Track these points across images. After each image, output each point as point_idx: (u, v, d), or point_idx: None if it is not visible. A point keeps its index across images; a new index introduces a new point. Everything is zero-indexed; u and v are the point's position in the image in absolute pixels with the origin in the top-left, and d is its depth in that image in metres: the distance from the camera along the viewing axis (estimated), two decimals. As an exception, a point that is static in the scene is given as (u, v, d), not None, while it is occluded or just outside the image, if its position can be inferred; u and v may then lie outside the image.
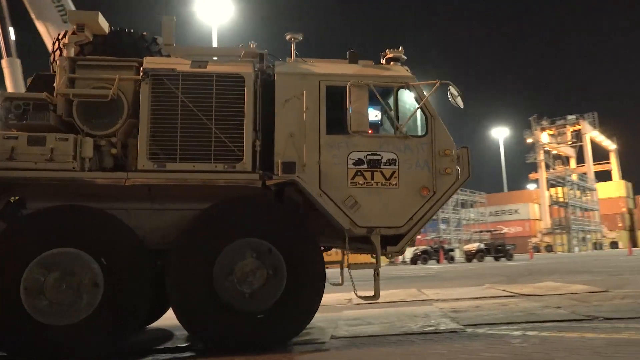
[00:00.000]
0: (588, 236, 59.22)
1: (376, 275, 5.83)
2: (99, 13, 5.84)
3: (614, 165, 73.36)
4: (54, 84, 5.61)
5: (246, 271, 5.18)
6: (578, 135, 67.37)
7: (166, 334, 6.83)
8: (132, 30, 6.34)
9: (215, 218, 5.39)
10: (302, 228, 5.54)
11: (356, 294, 6.02)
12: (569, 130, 67.37)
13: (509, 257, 36.18)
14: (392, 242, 5.74)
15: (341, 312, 8.00)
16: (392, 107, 5.88)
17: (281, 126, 5.60)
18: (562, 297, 8.61)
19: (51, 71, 6.27)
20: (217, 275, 5.15)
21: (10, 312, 4.91)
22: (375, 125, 6.03)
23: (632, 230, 67.37)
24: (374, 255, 5.77)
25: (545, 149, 67.31)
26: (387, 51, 6.21)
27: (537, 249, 54.74)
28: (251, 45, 5.97)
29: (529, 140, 67.78)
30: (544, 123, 67.61)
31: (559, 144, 68.05)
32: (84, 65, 5.64)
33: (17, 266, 4.96)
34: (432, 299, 9.27)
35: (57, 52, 6.28)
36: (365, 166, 5.66)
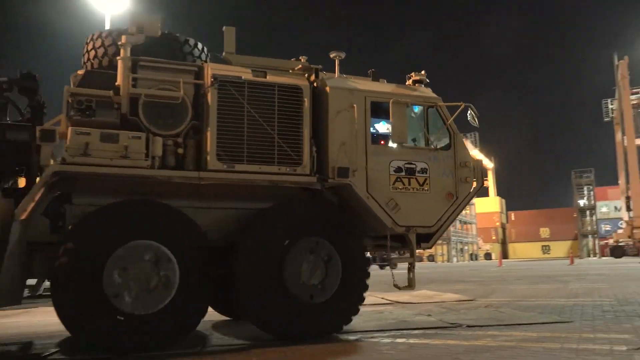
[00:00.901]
0: (466, 247, 63.38)
1: (411, 268, 6.66)
2: (160, 17, 6.03)
3: (491, 182, 79.15)
4: (110, 82, 5.71)
5: (311, 266, 5.79)
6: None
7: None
8: (177, 35, 6.50)
9: (282, 218, 5.90)
10: (352, 229, 6.26)
11: (395, 285, 6.69)
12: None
13: (393, 266, 37.67)
14: (422, 239, 6.66)
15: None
16: (424, 124, 6.76)
17: (334, 135, 6.20)
18: (434, 305, 9.07)
19: (85, 69, 6.31)
20: (286, 269, 5.68)
21: (94, 301, 4.97)
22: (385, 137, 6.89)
23: (503, 243, 73.06)
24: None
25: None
26: (412, 74, 7.11)
27: (420, 259, 57.62)
28: (302, 60, 6.54)
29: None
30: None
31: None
32: (144, 66, 5.80)
33: (100, 257, 5.04)
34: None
35: (92, 52, 6.39)
36: (403, 173, 6.49)
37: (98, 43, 6.38)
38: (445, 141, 6.80)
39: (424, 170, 6.57)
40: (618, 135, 53.37)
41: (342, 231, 6.10)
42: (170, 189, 5.72)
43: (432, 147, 6.68)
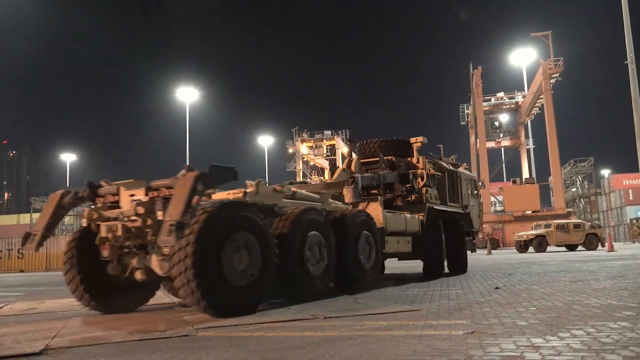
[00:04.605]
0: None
1: (474, 246, 17.65)
2: (426, 138, 13.28)
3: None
4: (407, 166, 13.01)
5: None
6: (332, 149, 74.21)
7: None
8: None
9: (465, 225, 15.46)
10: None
11: (473, 251, 17.91)
12: (325, 144, 73.82)
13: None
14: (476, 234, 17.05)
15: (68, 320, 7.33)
16: (475, 186, 16.58)
17: (463, 191, 15.12)
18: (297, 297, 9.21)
19: (352, 155, 13.87)
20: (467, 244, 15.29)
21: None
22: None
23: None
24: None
25: (304, 159, 72.59)
26: (464, 164, 16.14)
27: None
28: (453, 159, 15.23)
29: (290, 151, 72.34)
30: (304, 135, 72.87)
31: (315, 155, 74.01)
32: (427, 160, 13.41)
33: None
34: (175, 302, 9.13)
35: (359, 152, 13.63)
36: (474, 206, 15.93)
37: (370, 146, 13.44)
38: (475, 192, 16.26)
39: (477, 205, 16.20)
40: (472, 138, 58.31)
41: (464, 228, 14.79)
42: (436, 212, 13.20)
43: (475, 196, 16.08)
